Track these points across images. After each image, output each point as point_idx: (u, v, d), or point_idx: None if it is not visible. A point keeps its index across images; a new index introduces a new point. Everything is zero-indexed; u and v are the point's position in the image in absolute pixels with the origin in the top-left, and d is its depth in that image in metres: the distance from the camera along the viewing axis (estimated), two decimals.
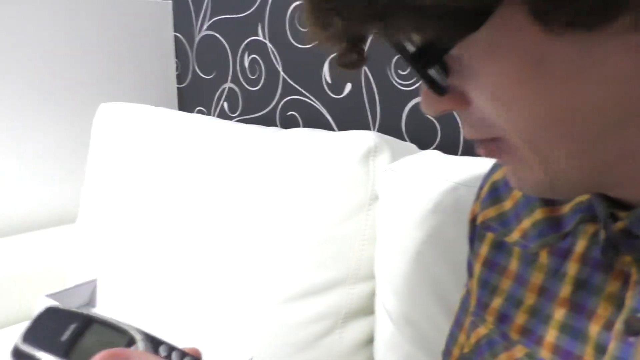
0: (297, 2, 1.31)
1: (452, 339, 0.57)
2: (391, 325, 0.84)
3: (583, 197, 0.44)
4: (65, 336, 0.41)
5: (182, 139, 1.22)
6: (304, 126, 1.37)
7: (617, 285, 0.39)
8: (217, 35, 1.54)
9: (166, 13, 1.63)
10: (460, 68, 0.34)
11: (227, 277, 1.03)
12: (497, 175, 0.54)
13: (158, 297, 1.15)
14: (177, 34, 1.65)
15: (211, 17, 1.54)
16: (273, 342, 0.96)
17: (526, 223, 0.48)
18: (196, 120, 1.27)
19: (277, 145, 1.06)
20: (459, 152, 1.09)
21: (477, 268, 0.52)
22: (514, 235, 0.49)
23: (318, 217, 0.92)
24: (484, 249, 0.52)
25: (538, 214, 0.47)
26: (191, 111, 1.65)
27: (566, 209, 0.45)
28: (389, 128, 1.20)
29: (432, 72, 0.35)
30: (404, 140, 1.13)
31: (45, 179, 1.45)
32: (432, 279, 0.79)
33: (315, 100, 1.34)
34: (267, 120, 1.46)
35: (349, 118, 1.28)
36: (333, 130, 1.31)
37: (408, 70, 1.14)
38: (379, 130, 1.20)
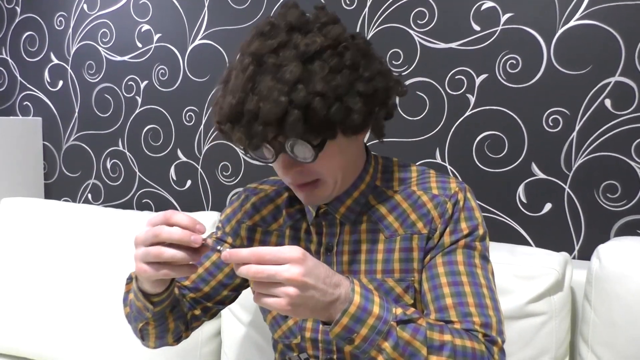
0: (150, 126, 1.94)
1: None
2: (233, 318, 1.47)
3: (301, 206, 1.00)
4: None
5: (69, 222, 1.75)
6: (156, 210, 1.97)
7: (316, 236, 0.97)
8: (83, 144, 2.08)
9: (36, 127, 2.13)
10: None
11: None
12: (253, 199, 1.05)
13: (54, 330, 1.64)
14: (45, 143, 2.15)
15: (78, 131, 2.09)
16: None
17: (281, 220, 1.02)
18: (78, 207, 1.81)
19: None
20: None
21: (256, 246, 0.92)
22: (273, 226, 1.02)
23: None
24: (257, 237, 1.03)
25: (285, 214, 1.01)
26: (58, 200, 2.13)
27: (293, 210, 1.01)
28: (220, 209, 1.87)
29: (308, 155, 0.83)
30: None
31: None
32: None
33: (164, 191, 1.96)
34: (125, 206, 2.02)
35: (189, 203, 1.92)
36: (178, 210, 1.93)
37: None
38: (211, 210, 1.87)
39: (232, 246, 1.04)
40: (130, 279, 0.98)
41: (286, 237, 1.01)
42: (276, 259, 0.72)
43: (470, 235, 0.92)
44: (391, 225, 0.94)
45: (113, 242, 1.67)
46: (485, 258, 0.92)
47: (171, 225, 0.76)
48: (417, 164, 1.56)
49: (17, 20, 2.16)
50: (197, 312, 1.04)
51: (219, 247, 0.78)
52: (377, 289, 0.92)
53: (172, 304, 0.94)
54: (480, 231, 0.93)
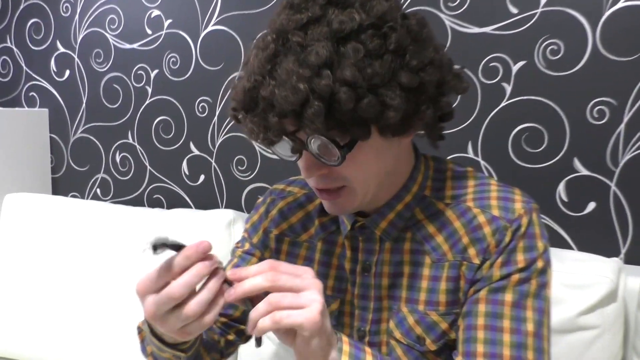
0: (161, 117, 1.84)
1: None
2: None
3: (333, 215, 0.87)
4: None
5: (77, 218, 1.66)
6: (168, 206, 1.87)
7: (351, 252, 0.85)
8: (91, 137, 1.99)
9: (43, 119, 2.03)
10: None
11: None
12: (280, 204, 0.93)
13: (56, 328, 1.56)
14: (52, 135, 2.06)
15: (85, 123, 1.99)
16: None
17: (312, 230, 0.89)
18: (86, 204, 1.72)
19: (161, 221, 1.57)
20: None
21: (283, 259, 0.90)
22: (303, 237, 0.90)
23: None
24: (284, 247, 0.91)
25: (317, 223, 0.88)
26: (65, 195, 2.05)
27: (327, 220, 0.88)
28: (236, 207, 1.77)
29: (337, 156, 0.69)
30: (244, 212, 1.70)
31: None
32: None
33: (176, 186, 1.86)
34: (136, 202, 1.93)
35: (202, 199, 1.82)
36: (191, 207, 1.83)
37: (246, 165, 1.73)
38: (225, 207, 1.77)
39: (262, 259, 0.92)
40: (140, 329, 0.87)
41: (317, 251, 0.88)
42: (292, 266, 0.66)
43: (526, 270, 0.75)
44: (439, 248, 0.80)
45: (122, 242, 1.58)
46: (540, 297, 0.75)
47: (175, 272, 0.63)
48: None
49: (21, 7, 2.06)
50: (231, 337, 0.93)
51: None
52: (418, 322, 0.80)
53: (201, 337, 0.83)
54: (539, 264, 0.75)
